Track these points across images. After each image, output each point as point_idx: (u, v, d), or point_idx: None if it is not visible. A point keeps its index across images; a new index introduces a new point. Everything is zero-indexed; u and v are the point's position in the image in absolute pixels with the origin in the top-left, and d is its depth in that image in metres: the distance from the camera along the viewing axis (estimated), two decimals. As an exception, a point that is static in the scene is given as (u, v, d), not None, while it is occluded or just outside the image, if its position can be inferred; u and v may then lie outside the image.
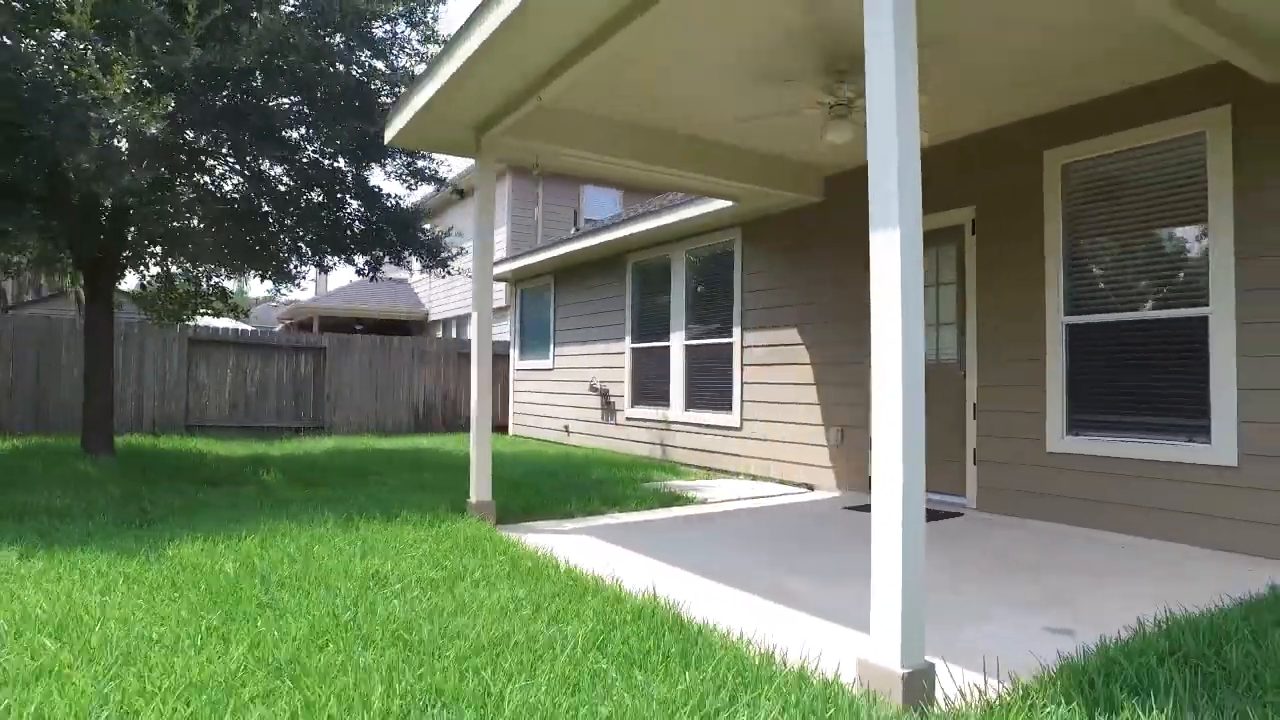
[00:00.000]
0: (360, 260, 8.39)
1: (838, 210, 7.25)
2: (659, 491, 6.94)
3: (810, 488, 7.50)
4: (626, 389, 10.45)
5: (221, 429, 12.58)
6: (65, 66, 5.48)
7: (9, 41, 5.60)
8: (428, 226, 9.16)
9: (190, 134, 6.29)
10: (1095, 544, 4.84)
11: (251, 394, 13.18)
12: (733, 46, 4.64)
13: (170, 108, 5.56)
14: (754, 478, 8.16)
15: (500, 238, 17.54)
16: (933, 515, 5.75)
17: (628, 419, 10.42)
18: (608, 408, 10.85)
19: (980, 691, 2.45)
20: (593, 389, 11.13)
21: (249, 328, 17.35)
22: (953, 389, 6.29)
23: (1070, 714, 2.24)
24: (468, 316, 19.64)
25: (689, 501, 6.62)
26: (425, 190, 17.70)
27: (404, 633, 2.91)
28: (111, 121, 5.38)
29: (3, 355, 11.11)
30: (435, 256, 8.94)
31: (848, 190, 7.08)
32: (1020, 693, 2.41)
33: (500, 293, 17.43)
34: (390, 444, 11.41)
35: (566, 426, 11.99)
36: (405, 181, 8.69)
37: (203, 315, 10.56)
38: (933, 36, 4.25)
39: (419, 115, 5.30)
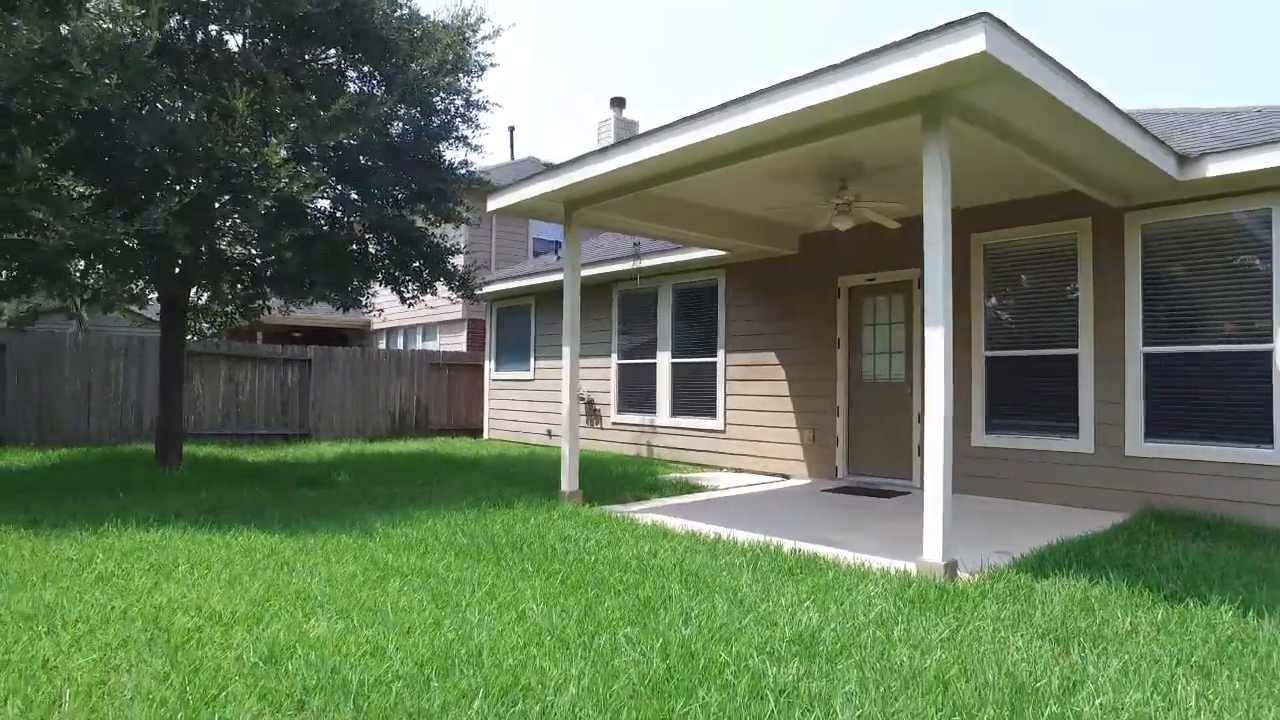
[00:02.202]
0: (412, 288, 9.92)
1: (808, 260, 9.40)
2: (675, 483, 8.86)
3: (786, 477, 9.61)
4: (613, 398, 12.31)
5: (217, 437, 13.51)
6: (239, 145, 6.85)
7: (194, 117, 6.89)
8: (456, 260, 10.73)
9: (325, 198, 7.73)
10: (1009, 507, 7.14)
11: (243, 403, 14.14)
12: (771, 169, 6.63)
13: (321, 176, 7.04)
14: (737, 471, 10.21)
15: (458, 260, 18.90)
16: (887, 494, 7.95)
17: (613, 424, 12.27)
18: (593, 414, 12.66)
19: (975, 574, 4.54)
20: (580, 399, 12.90)
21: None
22: (903, 401, 8.54)
23: (1024, 574, 4.36)
24: (415, 326, 20.86)
25: (704, 489, 8.58)
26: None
27: (663, 566, 4.74)
28: (272, 187, 6.82)
29: (8, 369, 11.75)
30: (465, 285, 10.56)
31: (816, 247, 9.23)
32: (996, 573, 4.51)
33: (457, 308, 18.84)
34: (394, 448, 12.78)
35: (549, 431, 13.70)
36: (433, 221, 10.29)
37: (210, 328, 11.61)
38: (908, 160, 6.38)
39: (531, 199, 7.07)
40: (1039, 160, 5.70)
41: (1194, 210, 6.55)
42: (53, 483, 7.88)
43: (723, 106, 5.37)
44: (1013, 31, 4.12)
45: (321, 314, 23.26)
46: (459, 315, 18.89)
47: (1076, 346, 7.22)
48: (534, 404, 14.19)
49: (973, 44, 3.96)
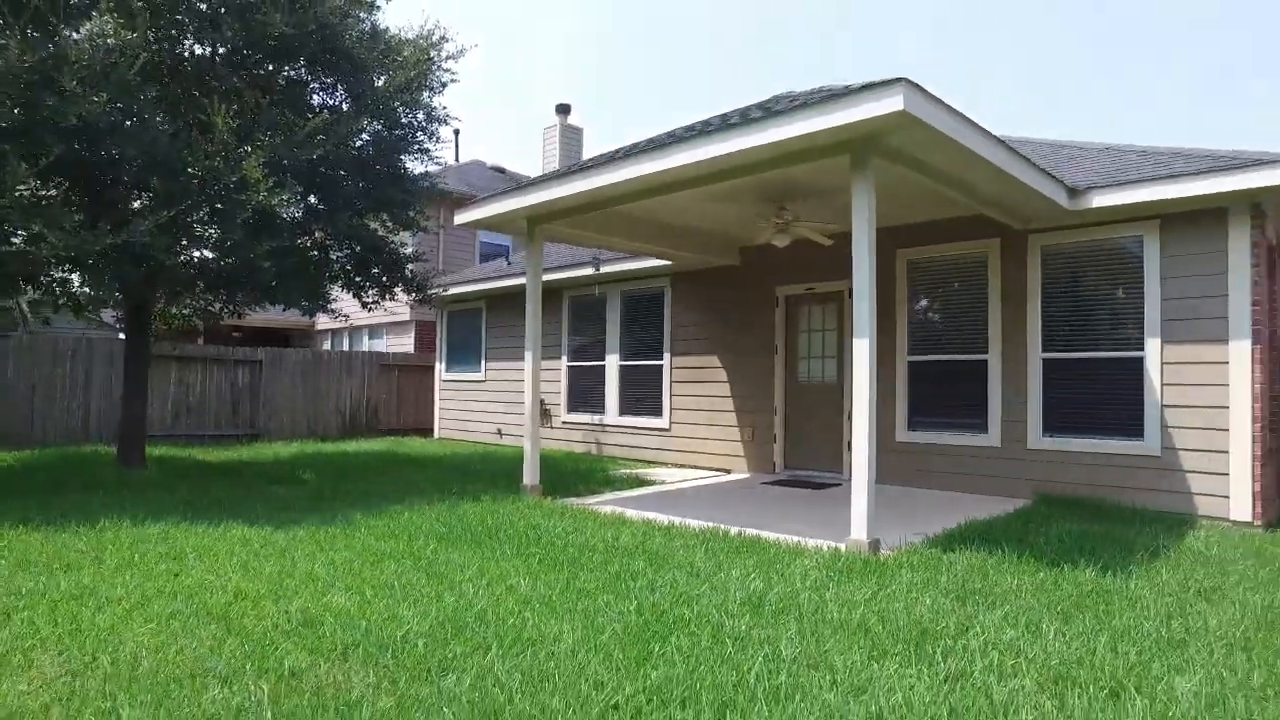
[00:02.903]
0: (372, 294, 10.33)
1: (748, 271, 10.16)
2: (626, 477, 9.51)
3: (728, 471, 10.36)
4: (563, 399, 12.89)
5: (168, 438, 13.58)
6: (218, 159, 7.22)
7: (171, 132, 7.22)
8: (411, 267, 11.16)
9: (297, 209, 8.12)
10: (927, 495, 8.01)
11: (193, 404, 14.23)
12: (716, 192, 7.31)
13: (299, 192, 7.46)
14: (681, 466, 10.92)
15: (416, 267, 19.20)
16: (820, 486, 8.76)
17: (564, 423, 12.86)
18: (544, 414, 13.21)
19: (895, 550, 5.31)
20: (530, 398, 13.45)
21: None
22: (835, 402, 9.36)
23: (935, 549, 5.14)
24: (360, 327, 21.00)
25: (653, 483, 9.24)
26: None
27: (626, 547, 5.37)
28: (250, 200, 7.21)
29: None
30: (423, 290, 11.02)
31: (756, 258, 9.99)
32: (912, 549, 5.29)
33: (405, 310, 19.12)
34: (348, 448, 13.10)
35: (499, 430, 14.20)
36: (393, 229, 10.71)
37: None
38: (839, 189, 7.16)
39: (497, 215, 7.63)
40: (952, 190, 6.54)
41: (1083, 234, 7.51)
42: (22, 484, 8.06)
43: (675, 141, 6.04)
44: (925, 91, 4.89)
45: (272, 315, 23.18)
46: (406, 317, 19.16)
47: (987, 352, 8.13)
48: (485, 404, 14.66)
49: (894, 102, 4.71)
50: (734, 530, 5.92)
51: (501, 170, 24.84)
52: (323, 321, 22.98)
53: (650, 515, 6.76)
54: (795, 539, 5.69)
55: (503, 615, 3.75)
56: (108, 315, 14.47)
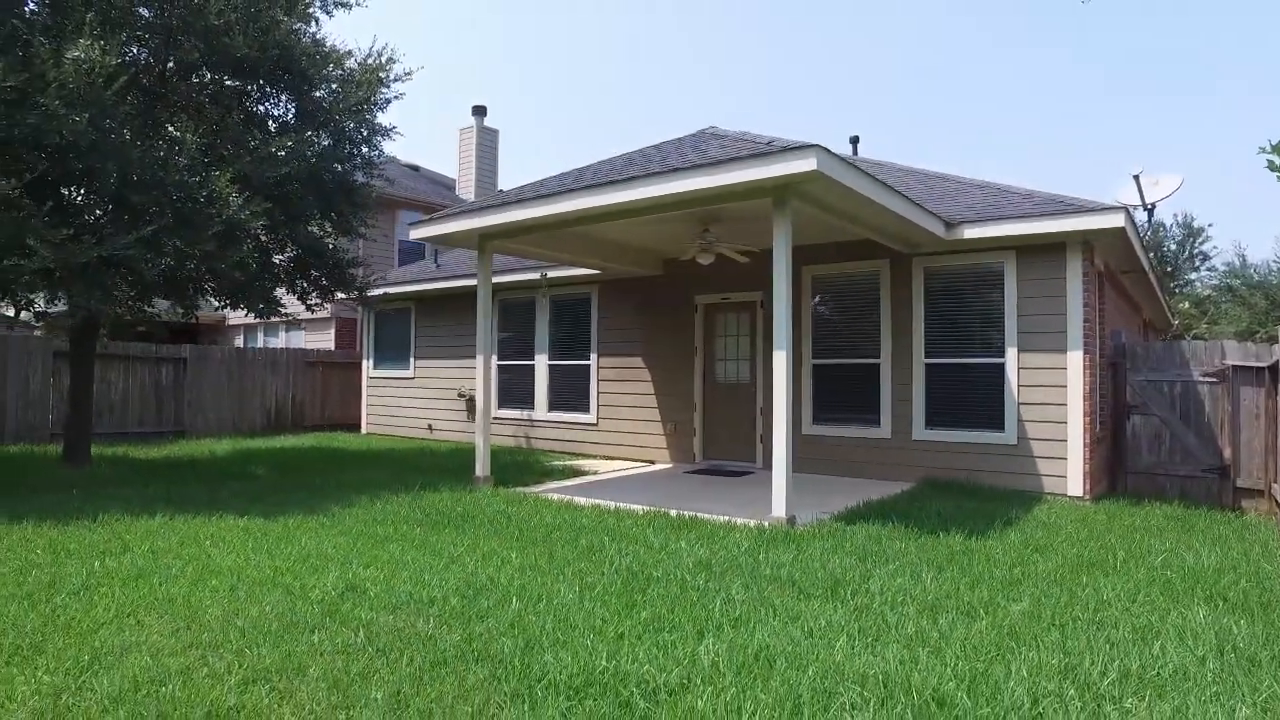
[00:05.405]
0: (313, 296, 10.86)
1: (671, 280, 11.24)
2: (563, 469, 10.45)
3: (652, 462, 11.43)
4: (493, 395, 13.66)
5: (92, 436, 13.53)
6: (189, 175, 7.71)
7: (140, 143, 7.66)
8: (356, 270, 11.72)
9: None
10: (830, 480, 9.30)
11: (116, 401, 14.21)
12: (653, 217, 8.33)
13: (267, 207, 8.03)
14: (608, 458, 11.92)
15: (357, 271, 19.38)
16: (738, 474, 9.94)
17: (495, 418, 13.63)
18: (473, 409, 13.93)
19: (807, 524, 6.48)
20: (460, 395, 14.16)
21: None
22: (748, 399, 10.57)
23: (839, 523, 6.34)
24: (275, 323, 20.95)
25: (587, 473, 10.21)
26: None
27: (586, 527, 6.32)
28: (223, 215, 7.75)
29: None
30: (363, 292, 11.61)
31: (677, 269, 11.07)
32: (821, 524, 6.48)
33: (325, 307, 19.28)
34: (280, 443, 13.46)
35: (430, 425, 14.82)
36: (336, 235, 11.26)
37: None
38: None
39: (454, 232, 8.41)
40: (852, 224, 7.79)
41: (958, 259, 8.94)
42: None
43: (612, 183, 7.06)
44: (834, 154, 6.07)
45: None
46: (327, 314, 19.33)
47: (879, 357, 9.48)
48: (414, 400, 15.23)
49: (809, 163, 5.86)
50: (673, 512, 6.97)
51: (416, 168, 25.11)
52: (234, 317, 22.73)
53: (596, 501, 7.73)
54: (725, 518, 6.79)
55: (507, 580, 4.66)
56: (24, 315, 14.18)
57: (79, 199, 7.53)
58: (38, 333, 14.73)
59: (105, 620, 3.84)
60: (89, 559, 5.00)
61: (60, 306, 9.45)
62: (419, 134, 56.94)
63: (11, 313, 11.00)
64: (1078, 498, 8.10)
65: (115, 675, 3.17)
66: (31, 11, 7.58)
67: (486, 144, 23.53)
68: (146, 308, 11.09)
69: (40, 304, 9.18)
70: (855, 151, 12.94)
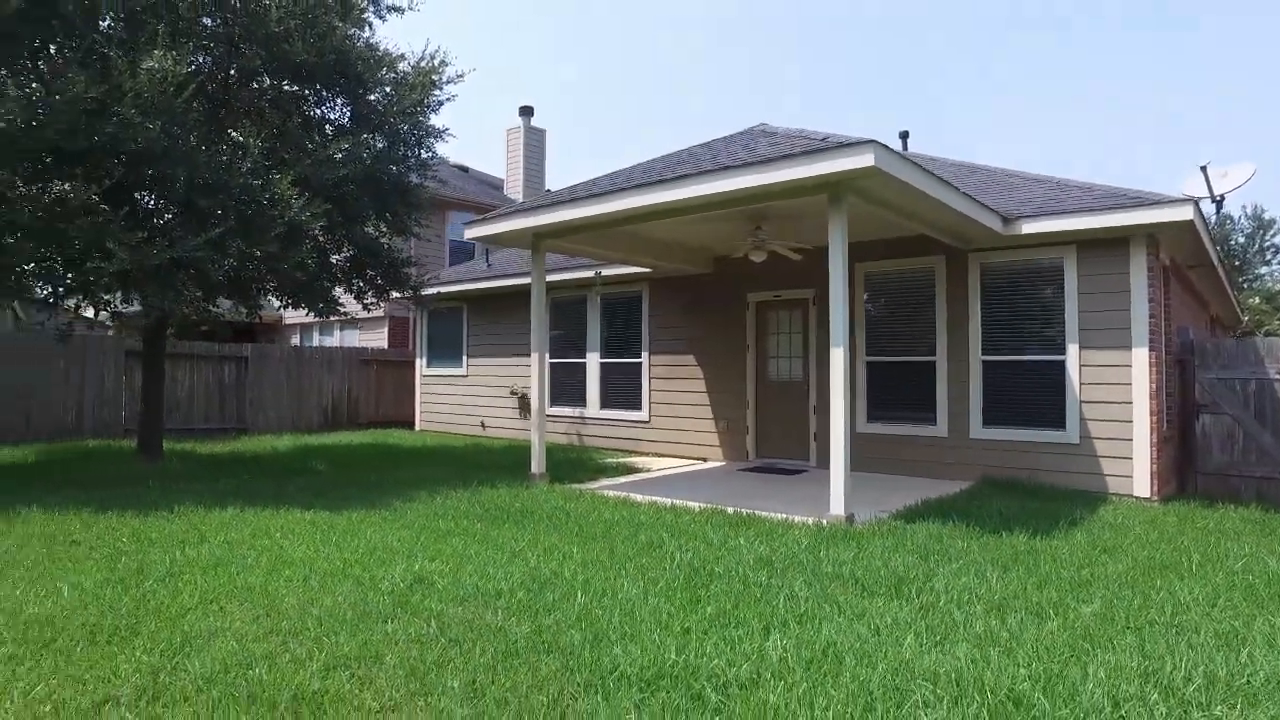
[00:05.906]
0: (370, 295, 11.12)
1: (721, 278, 11.23)
2: (616, 466, 10.51)
3: (704, 459, 11.44)
4: (546, 393, 13.78)
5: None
6: (253, 178, 7.94)
7: (206, 148, 7.92)
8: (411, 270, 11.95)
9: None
10: (886, 478, 9.20)
11: (182, 399, 14.70)
12: (706, 215, 8.34)
13: (327, 208, 8.24)
14: (660, 455, 11.96)
15: (411, 270, 19.81)
16: (791, 472, 9.90)
17: (547, 415, 13.75)
18: (525, 407, 14.10)
19: (866, 523, 6.44)
20: (512, 393, 14.35)
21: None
22: (801, 397, 10.52)
23: (899, 521, 6.29)
24: (331, 322, 21.45)
25: (641, 471, 10.26)
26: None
27: (644, 523, 6.37)
28: (285, 217, 7.97)
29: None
30: (417, 292, 11.84)
31: (728, 267, 11.06)
32: (880, 522, 6.42)
33: (379, 306, 19.68)
34: (339, 440, 13.79)
35: (483, 422, 15.04)
36: (391, 236, 11.49)
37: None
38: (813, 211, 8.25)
39: (508, 232, 8.54)
40: (908, 220, 7.70)
41: (1015, 255, 8.77)
42: (58, 478, 8.64)
43: (663, 181, 7.09)
44: (890, 149, 6.00)
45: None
46: (380, 312, 19.70)
47: (934, 354, 9.35)
48: (467, 398, 15.47)
49: (866, 159, 5.81)
50: (730, 509, 6.98)
51: (465, 169, 25.45)
52: (290, 316, 23.33)
53: (652, 498, 7.77)
54: (782, 515, 6.78)
55: (571, 575, 4.72)
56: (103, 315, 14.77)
57: (150, 203, 7.81)
58: (110, 333, 15.32)
59: (190, 606, 4.01)
60: (170, 548, 5.21)
61: (134, 307, 9.81)
62: (468, 135, 57.73)
63: (91, 313, 11.47)
64: (1145, 499, 7.89)
65: (205, 657, 3.31)
66: (108, 26, 7.90)
67: (534, 144, 23.74)
68: (211, 308, 11.48)
69: (116, 304, 9.55)
70: (905, 147, 12.77)
